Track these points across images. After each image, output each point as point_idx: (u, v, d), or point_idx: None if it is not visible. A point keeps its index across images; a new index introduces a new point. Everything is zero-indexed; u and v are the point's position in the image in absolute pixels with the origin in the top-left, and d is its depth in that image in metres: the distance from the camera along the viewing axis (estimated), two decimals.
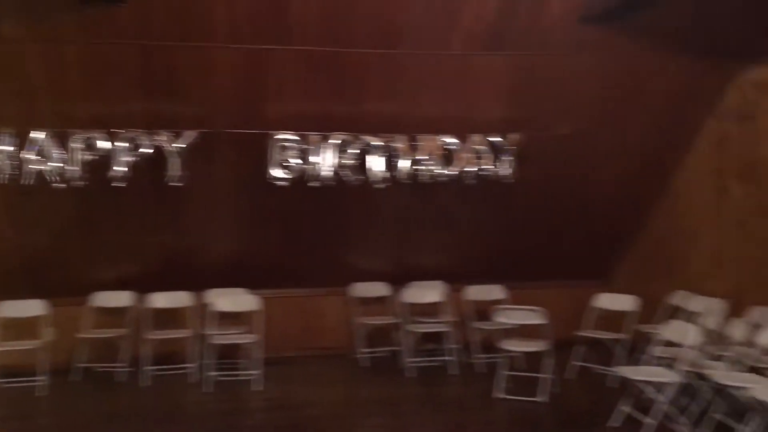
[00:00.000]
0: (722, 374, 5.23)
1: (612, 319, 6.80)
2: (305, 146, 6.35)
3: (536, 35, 5.89)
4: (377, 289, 7.43)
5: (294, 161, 6.34)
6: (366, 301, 7.40)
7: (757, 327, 5.58)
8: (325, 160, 6.40)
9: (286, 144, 6.29)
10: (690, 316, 6.19)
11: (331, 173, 6.43)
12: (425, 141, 6.56)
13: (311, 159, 6.37)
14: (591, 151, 6.86)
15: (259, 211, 6.77)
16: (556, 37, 5.91)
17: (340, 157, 6.43)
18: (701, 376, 5.35)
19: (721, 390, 5.21)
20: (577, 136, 6.68)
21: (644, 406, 5.31)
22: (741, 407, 5.06)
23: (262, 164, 6.31)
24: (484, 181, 6.68)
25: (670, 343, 5.64)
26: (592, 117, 6.59)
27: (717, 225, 6.73)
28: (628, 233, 7.70)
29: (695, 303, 6.41)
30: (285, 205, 6.69)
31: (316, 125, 6.34)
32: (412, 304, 7.25)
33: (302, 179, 6.41)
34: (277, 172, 6.35)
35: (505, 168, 6.63)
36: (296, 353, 7.30)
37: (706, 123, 6.75)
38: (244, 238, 6.96)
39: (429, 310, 7.26)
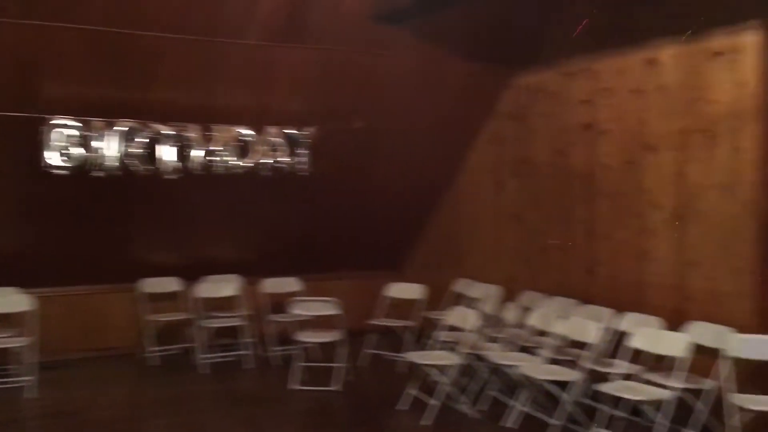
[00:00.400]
0: (497, 354, 5.69)
1: (402, 308, 7.10)
2: (87, 133, 5.92)
3: (333, 30, 5.99)
4: (168, 284, 7.12)
5: (74, 149, 5.88)
6: (156, 297, 7.06)
7: (527, 310, 6.13)
8: (110, 149, 6.01)
9: (64, 130, 5.81)
10: (471, 302, 6.65)
11: (117, 162, 6.06)
12: (220, 131, 6.41)
13: (94, 146, 5.95)
14: (384, 146, 7.12)
15: (32, 202, 6.19)
16: (351, 33, 6.05)
17: (126, 146, 6.07)
18: (480, 357, 5.78)
19: (496, 369, 5.67)
20: (371, 131, 6.90)
21: (430, 388, 5.61)
22: (513, 383, 5.54)
23: (37, 151, 5.77)
24: (279, 173, 6.68)
25: (453, 328, 6.02)
26: (386, 112, 6.85)
27: (495, 217, 7.31)
28: (417, 225, 8.10)
29: (476, 290, 6.91)
30: (63, 195, 6.17)
31: (101, 111, 5.93)
32: (206, 299, 7.04)
33: (84, 168, 5.97)
34: (54, 160, 5.84)
35: (300, 161, 6.68)
36: (78, 355, 6.79)
37: (486, 122, 7.30)
38: (14, 231, 6.32)
39: (224, 304, 7.10)
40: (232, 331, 6.99)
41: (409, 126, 7.05)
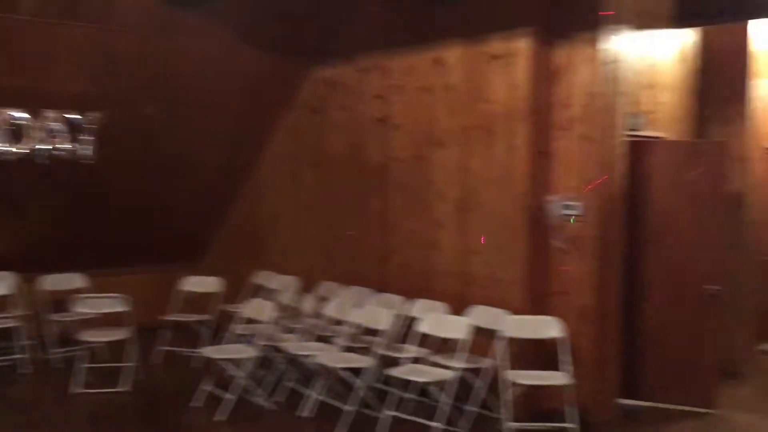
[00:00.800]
0: (294, 345, 5.73)
1: (200, 302, 6.90)
2: None
3: (119, 9, 5.65)
4: None
5: None
6: None
7: (324, 300, 6.23)
8: None
9: None
10: (270, 294, 6.62)
11: None
12: None
13: None
14: (179, 134, 6.86)
15: None
16: (141, 14, 5.74)
17: None
18: (276, 349, 5.79)
19: (293, 359, 5.71)
20: (164, 117, 6.61)
21: (226, 382, 5.52)
22: (310, 373, 5.61)
23: None
24: (59, 161, 6.18)
25: (250, 321, 5.96)
26: (181, 100, 6.59)
27: (294, 208, 7.33)
28: (215, 217, 7.90)
29: (275, 281, 6.89)
30: None
31: None
32: None
33: None
34: None
35: (84, 148, 6.23)
36: None
37: (284, 114, 7.29)
38: None
39: None
40: (5, 334, 6.36)
41: (206, 114, 6.85)
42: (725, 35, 6.52)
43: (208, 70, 6.52)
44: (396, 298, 5.95)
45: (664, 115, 6.12)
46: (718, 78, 6.53)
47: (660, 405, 5.68)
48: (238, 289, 7.00)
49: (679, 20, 5.97)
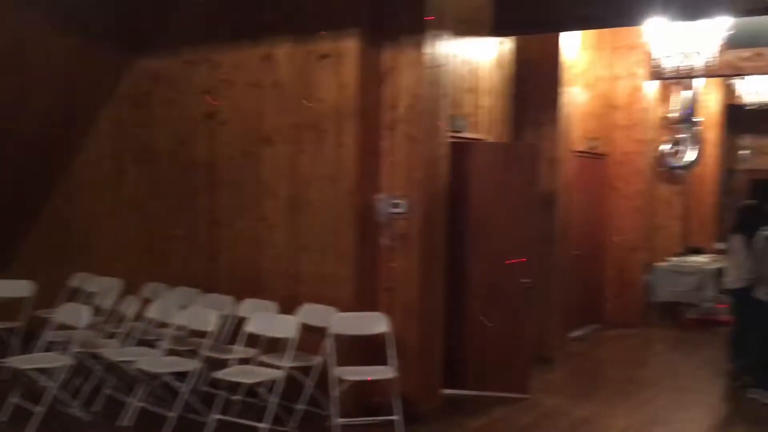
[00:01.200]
0: (113, 351, 5.42)
1: (8, 307, 6.32)
2: None
3: None
4: None
5: None
6: None
7: (148, 302, 5.94)
8: None
9: None
10: (89, 298, 6.22)
11: None
12: None
13: None
14: None
15: None
16: None
17: None
18: (94, 356, 5.44)
19: (112, 366, 5.39)
20: None
21: (38, 394, 5.10)
22: (131, 380, 5.33)
23: None
24: None
25: (64, 326, 5.56)
26: None
27: (117, 207, 6.91)
28: (25, 215, 7.28)
29: (93, 284, 6.47)
30: None
31: None
32: None
33: None
34: None
35: None
36: None
37: (105, 107, 6.86)
38: None
39: None
40: None
41: (11, 105, 6.28)
42: (539, 45, 7.01)
43: (14, 58, 5.98)
44: (225, 299, 5.80)
45: (484, 118, 6.46)
46: (532, 84, 7.01)
47: (480, 393, 6.01)
48: (53, 293, 6.50)
49: (497, 29, 6.33)
